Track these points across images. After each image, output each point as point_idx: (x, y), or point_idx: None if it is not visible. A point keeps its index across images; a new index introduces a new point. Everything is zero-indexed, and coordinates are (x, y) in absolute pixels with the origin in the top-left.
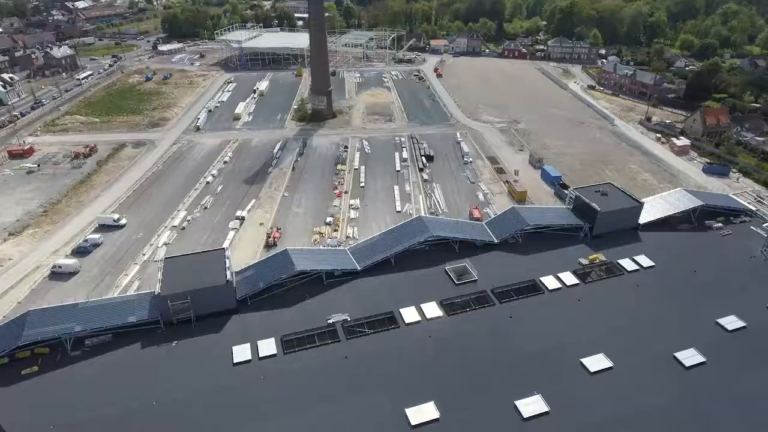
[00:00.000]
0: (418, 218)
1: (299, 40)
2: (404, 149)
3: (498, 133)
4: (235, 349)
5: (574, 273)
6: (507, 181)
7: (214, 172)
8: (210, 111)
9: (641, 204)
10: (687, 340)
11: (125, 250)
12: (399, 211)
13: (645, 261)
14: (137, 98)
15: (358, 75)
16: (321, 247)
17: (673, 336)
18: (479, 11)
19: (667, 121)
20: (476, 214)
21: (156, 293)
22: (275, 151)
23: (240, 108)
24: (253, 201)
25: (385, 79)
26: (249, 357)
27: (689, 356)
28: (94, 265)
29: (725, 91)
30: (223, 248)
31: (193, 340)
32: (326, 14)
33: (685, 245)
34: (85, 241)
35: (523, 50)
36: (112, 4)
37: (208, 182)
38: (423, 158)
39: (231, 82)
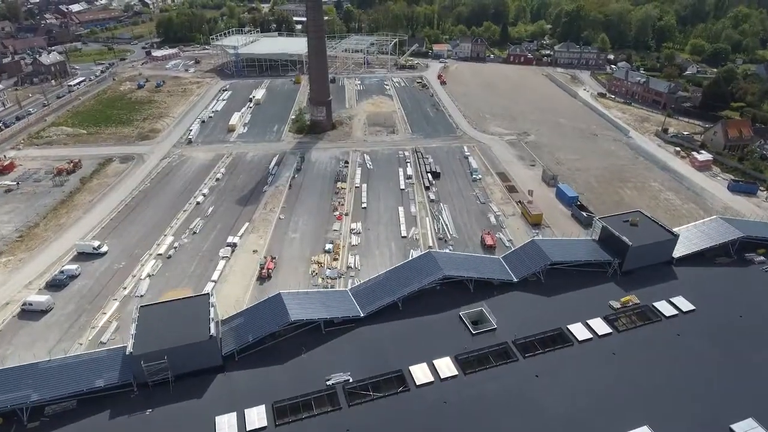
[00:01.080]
0: (428, 254)
1: (297, 46)
2: (408, 164)
3: (507, 146)
4: (219, 420)
5: (606, 319)
6: (520, 202)
7: (205, 190)
8: (203, 122)
9: (676, 236)
10: (743, 406)
11: (104, 282)
12: (404, 237)
13: (684, 304)
14: (128, 107)
15: (359, 82)
16: (319, 288)
17: (726, 401)
18: (483, 15)
19: (685, 133)
20: (489, 240)
21: (128, 351)
22: (271, 166)
23: (235, 119)
24: (247, 224)
25: (387, 87)
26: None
27: (748, 429)
28: (69, 301)
29: (742, 99)
30: (207, 294)
31: (170, 408)
32: (325, 18)
33: (726, 283)
34: (61, 272)
35: (529, 55)
36: (107, 8)
37: (198, 202)
38: (429, 175)
39: (226, 89)
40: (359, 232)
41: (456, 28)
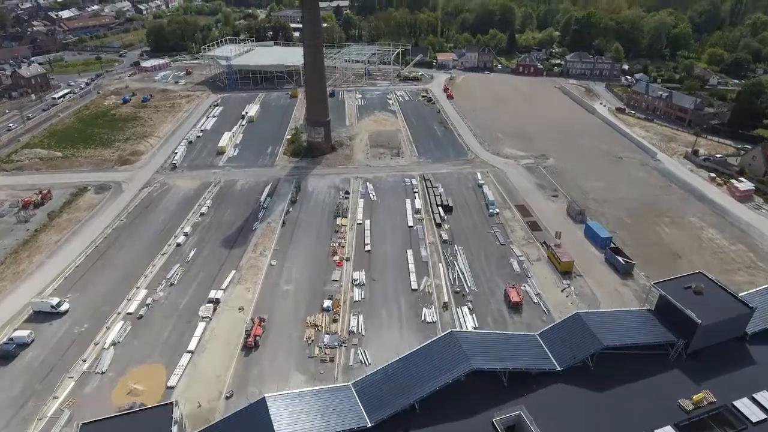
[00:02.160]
0: (450, 335)
1: (295, 56)
2: (416, 195)
3: (525, 172)
4: None
5: (678, 427)
6: (545, 243)
7: (188, 228)
8: (190, 143)
9: (752, 309)
10: None
11: (61, 352)
12: (415, 289)
13: None
14: (110, 125)
15: (360, 96)
16: (315, 359)
17: None
18: (488, 21)
19: (718, 156)
20: (514, 296)
21: None
22: (263, 197)
23: (225, 139)
24: (233, 273)
25: (390, 101)
26: None
27: None
28: (16, 379)
29: None
30: (171, 404)
31: None
32: (324, 25)
33: None
34: (10, 340)
35: (539, 66)
36: (97, 14)
37: (178, 244)
38: (440, 209)
39: (217, 104)
40: (362, 284)
41: (461, 36)
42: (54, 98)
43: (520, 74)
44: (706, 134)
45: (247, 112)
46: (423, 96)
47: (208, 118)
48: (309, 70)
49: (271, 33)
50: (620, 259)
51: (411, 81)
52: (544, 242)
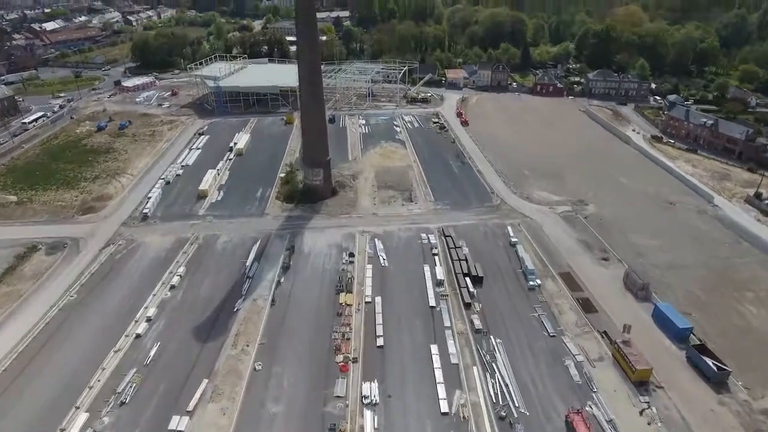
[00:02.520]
0: None
1: (290, 75)
2: (437, 258)
3: (563, 223)
4: None
5: None
6: (605, 335)
7: (152, 310)
8: (168, 183)
9: None
10: None
11: None
12: (446, 413)
13: None
14: (80, 159)
15: (363, 122)
16: None
17: None
18: (499, 34)
19: None
20: (581, 430)
21: None
22: (249, 262)
23: (207, 180)
24: (204, 384)
25: (398, 128)
26: None
27: None
28: None
29: None
30: None
31: None
32: (323, 38)
33: None
34: None
35: (559, 85)
36: (84, 26)
37: (138, 335)
38: (467, 280)
39: (203, 132)
40: (375, 403)
41: (471, 51)
42: (24, 123)
43: (539, 94)
44: (762, 169)
45: (235, 143)
46: (434, 122)
47: (191, 150)
48: (305, 97)
49: (266, 48)
50: (710, 362)
51: (420, 103)
52: (605, 333)
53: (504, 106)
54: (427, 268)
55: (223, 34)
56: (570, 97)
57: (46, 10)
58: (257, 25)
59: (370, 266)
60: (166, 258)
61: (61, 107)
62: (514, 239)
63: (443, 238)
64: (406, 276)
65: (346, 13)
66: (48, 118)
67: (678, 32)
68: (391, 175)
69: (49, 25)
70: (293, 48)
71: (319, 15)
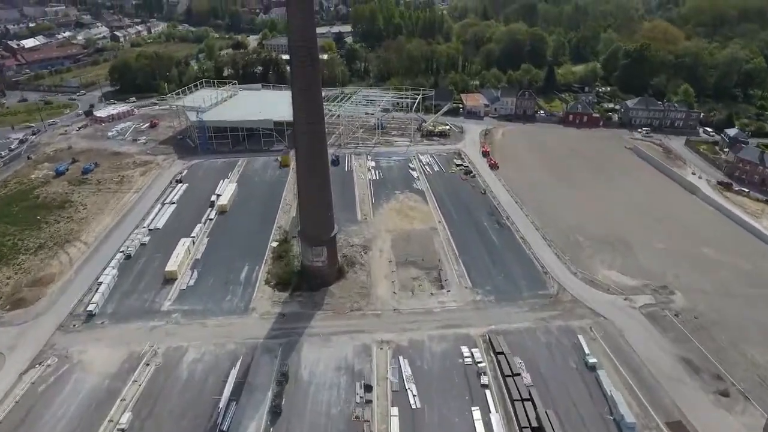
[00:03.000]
0: None
1: (286, 105)
2: (488, 394)
3: (649, 326)
4: None
5: None
6: None
7: None
8: (128, 258)
9: None
10: None
11: None
12: None
13: None
14: (26, 218)
15: (373, 163)
16: None
17: None
18: (517, 54)
19: None
20: None
21: None
22: (223, 401)
23: (179, 255)
24: None
25: (414, 172)
26: None
27: None
28: None
29: None
30: None
31: None
32: (324, 56)
33: None
34: None
35: (595, 114)
36: (65, 43)
37: None
38: None
39: (181, 180)
40: None
41: (489, 73)
42: None
43: (571, 124)
44: None
45: (218, 195)
46: (457, 164)
47: (163, 205)
48: (303, 153)
49: (260, 69)
50: None
51: (437, 137)
52: None
53: (536, 141)
54: (477, 414)
55: (214, 52)
56: (606, 127)
57: (31, 25)
58: (253, 40)
59: (395, 409)
60: (107, 393)
61: (21, 142)
62: (591, 359)
63: (493, 356)
64: (448, 423)
65: (348, 28)
66: (1, 158)
67: (721, 52)
68: (413, 244)
69: (29, 42)
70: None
71: (317, 30)
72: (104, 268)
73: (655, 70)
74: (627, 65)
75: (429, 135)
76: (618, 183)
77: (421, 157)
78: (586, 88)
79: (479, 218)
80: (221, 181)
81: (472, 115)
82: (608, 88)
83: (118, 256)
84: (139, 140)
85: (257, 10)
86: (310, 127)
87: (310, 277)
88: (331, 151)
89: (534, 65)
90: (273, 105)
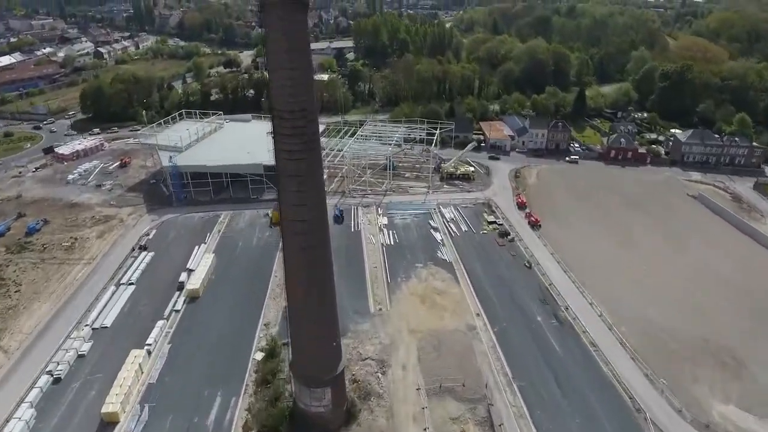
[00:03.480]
0: None
1: None
2: None
3: None
4: None
5: None
6: None
7: None
8: (57, 382)
9: None
10: None
11: None
12: None
13: None
14: None
15: (385, 220)
16: None
17: None
18: (539, 73)
19: None
20: None
21: None
22: None
23: (124, 379)
24: None
25: (437, 234)
26: None
27: None
28: None
29: None
30: None
31: None
32: (323, 76)
33: None
34: None
35: (642, 151)
36: (42, 61)
37: None
38: None
39: (146, 245)
40: None
41: (510, 97)
42: None
43: (613, 161)
44: None
45: (190, 271)
46: (489, 222)
47: (119, 286)
48: (297, 262)
49: (252, 92)
50: None
51: (459, 181)
52: None
53: (577, 186)
54: None
55: (203, 72)
56: (654, 164)
57: (12, 40)
58: (247, 56)
59: None
60: None
61: None
62: None
63: None
64: None
65: (349, 43)
66: None
67: None
68: (446, 356)
69: (4, 60)
70: None
71: (316, 45)
72: (18, 404)
73: (697, 94)
74: (665, 89)
75: (449, 178)
76: (692, 247)
77: (443, 210)
78: (619, 114)
79: (529, 308)
80: (196, 247)
81: (497, 149)
82: (645, 115)
83: (43, 379)
84: (104, 185)
85: (253, 23)
86: (305, 237)
87: (308, 425)
88: (333, 201)
89: (561, 88)
90: (264, 141)
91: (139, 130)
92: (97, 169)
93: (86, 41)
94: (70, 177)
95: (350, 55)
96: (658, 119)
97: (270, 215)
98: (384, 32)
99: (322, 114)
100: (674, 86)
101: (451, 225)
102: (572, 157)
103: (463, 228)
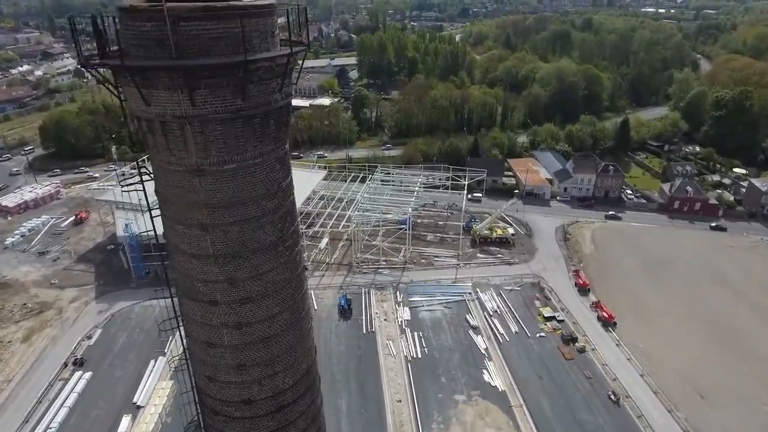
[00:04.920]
0: None
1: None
2: None
3: None
4: None
5: None
6: None
7: None
8: None
9: None
10: None
11: None
12: None
13: None
14: None
15: (407, 314)
16: None
17: None
18: (570, 99)
19: None
20: None
21: None
22: None
23: None
24: None
25: (478, 337)
26: None
27: None
28: None
29: None
30: None
31: None
32: (324, 101)
33: None
34: None
35: (712, 201)
36: (15, 82)
37: None
38: None
39: (83, 362)
40: None
41: (542, 128)
42: None
43: (677, 213)
44: None
45: (139, 409)
46: (545, 317)
47: None
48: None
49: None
50: None
51: (495, 247)
52: None
53: (647, 253)
54: None
55: None
56: (728, 218)
57: None
58: None
59: None
60: None
61: None
62: None
63: None
64: None
65: (352, 59)
66: None
67: None
68: None
69: None
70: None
71: (315, 62)
72: None
73: (762, 126)
74: (721, 119)
75: (484, 242)
76: None
77: (482, 294)
78: (666, 147)
79: None
80: (152, 363)
81: (533, 197)
82: (697, 149)
83: None
84: (49, 252)
85: None
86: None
87: None
88: (337, 282)
89: (593, 114)
90: None
91: (112, 167)
92: (45, 228)
93: (69, 57)
94: (9, 240)
95: (353, 74)
96: (714, 155)
97: None
98: (390, 49)
99: (322, 147)
100: (731, 116)
101: (495, 322)
102: (623, 212)
103: (513, 328)
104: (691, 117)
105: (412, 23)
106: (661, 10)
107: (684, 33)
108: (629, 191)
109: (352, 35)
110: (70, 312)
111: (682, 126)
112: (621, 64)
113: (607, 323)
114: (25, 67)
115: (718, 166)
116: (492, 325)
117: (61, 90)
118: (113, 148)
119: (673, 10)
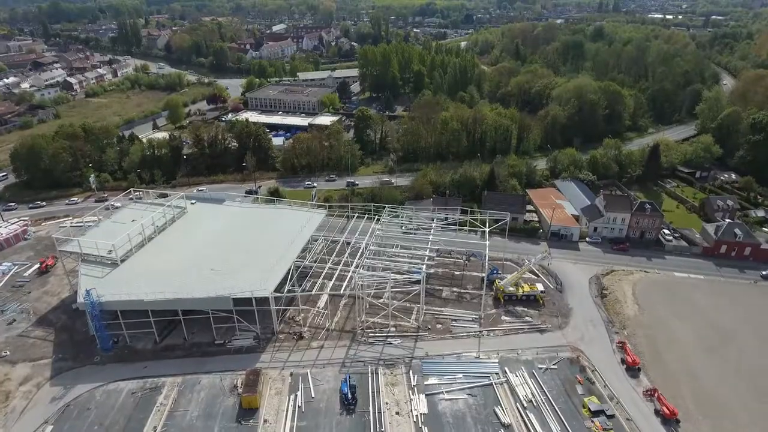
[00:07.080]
0: None
1: (267, 245)
2: None
3: None
4: None
5: None
6: None
7: None
8: None
9: None
10: None
11: None
12: None
13: None
14: None
15: (424, 405)
16: None
17: None
18: (590, 119)
19: None
20: None
21: None
22: None
23: None
24: None
25: None
26: None
27: None
28: None
29: None
30: None
31: None
32: (324, 120)
33: None
34: None
35: (764, 246)
36: (1, 96)
37: None
38: None
39: None
40: None
41: (563, 153)
42: None
43: (723, 259)
44: None
45: None
46: (592, 410)
47: None
48: None
49: (235, 145)
50: None
51: (522, 304)
52: None
53: (708, 321)
54: None
55: (178, 114)
56: None
57: None
58: (238, 86)
59: None
60: None
61: None
62: None
63: None
64: None
65: (354, 71)
66: None
67: None
68: None
69: None
70: (277, 142)
71: (315, 75)
72: None
73: None
74: (759, 144)
75: (508, 301)
76: None
77: (511, 376)
78: (698, 174)
79: None
80: None
81: (559, 237)
82: (733, 177)
83: None
84: (5, 312)
85: (246, 46)
86: None
87: None
88: (338, 356)
89: (615, 136)
90: (244, 243)
91: (91, 195)
92: (5, 278)
93: (59, 68)
94: None
95: (355, 86)
96: (755, 185)
97: (239, 390)
98: (395, 62)
99: (322, 174)
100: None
101: (532, 417)
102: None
103: (554, 428)
104: (724, 140)
105: (414, 30)
106: (668, 16)
107: (697, 42)
108: (666, 230)
109: (354, 44)
110: (18, 399)
111: (715, 151)
112: (639, 77)
113: (668, 420)
114: (11, 79)
115: (759, 198)
116: (528, 422)
117: (45, 105)
118: (91, 177)
119: (680, 17)
